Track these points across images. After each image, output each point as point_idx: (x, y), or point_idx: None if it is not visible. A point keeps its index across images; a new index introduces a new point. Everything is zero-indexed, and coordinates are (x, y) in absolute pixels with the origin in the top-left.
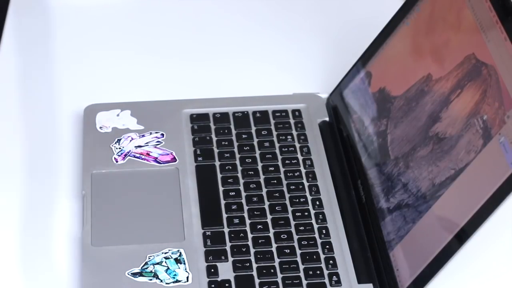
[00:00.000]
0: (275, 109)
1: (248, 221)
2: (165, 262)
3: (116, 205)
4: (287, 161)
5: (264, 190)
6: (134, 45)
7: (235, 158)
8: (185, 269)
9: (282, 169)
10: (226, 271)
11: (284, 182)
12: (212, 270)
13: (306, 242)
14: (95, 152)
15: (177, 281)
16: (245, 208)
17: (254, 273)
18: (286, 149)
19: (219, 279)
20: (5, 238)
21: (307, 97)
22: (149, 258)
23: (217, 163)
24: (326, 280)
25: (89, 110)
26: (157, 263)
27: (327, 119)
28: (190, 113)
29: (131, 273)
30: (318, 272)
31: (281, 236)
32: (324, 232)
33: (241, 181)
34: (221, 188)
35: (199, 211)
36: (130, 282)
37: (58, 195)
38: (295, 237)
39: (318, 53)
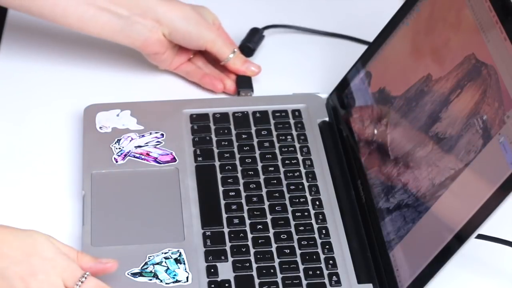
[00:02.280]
0: (275, 109)
1: (248, 221)
2: (165, 262)
3: (116, 205)
4: (287, 161)
5: (264, 190)
6: None
7: (235, 158)
8: (185, 269)
9: (282, 169)
10: (226, 271)
11: (284, 182)
12: (212, 270)
13: (306, 242)
14: (95, 152)
15: (177, 281)
16: (245, 208)
17: (254, 273)
18: (286, 149)
19: (219, 279)
20: None
21: (307, 97)
22: (149, 258)
23: (217, 163)
24: (326, 280)
25: (89, 110)
26: (157, 263)
27: (327, 119)
28: (190, 113)
29: (131, 273)
30: (318, 272)
31: (281, 236)
32: (324, 232)
33: (241, 181)
34: (221, 188)
35: (199, 211)
36: (130, 282)
37: (58, 195)
38: (295, 237)
39: (318, 53)
